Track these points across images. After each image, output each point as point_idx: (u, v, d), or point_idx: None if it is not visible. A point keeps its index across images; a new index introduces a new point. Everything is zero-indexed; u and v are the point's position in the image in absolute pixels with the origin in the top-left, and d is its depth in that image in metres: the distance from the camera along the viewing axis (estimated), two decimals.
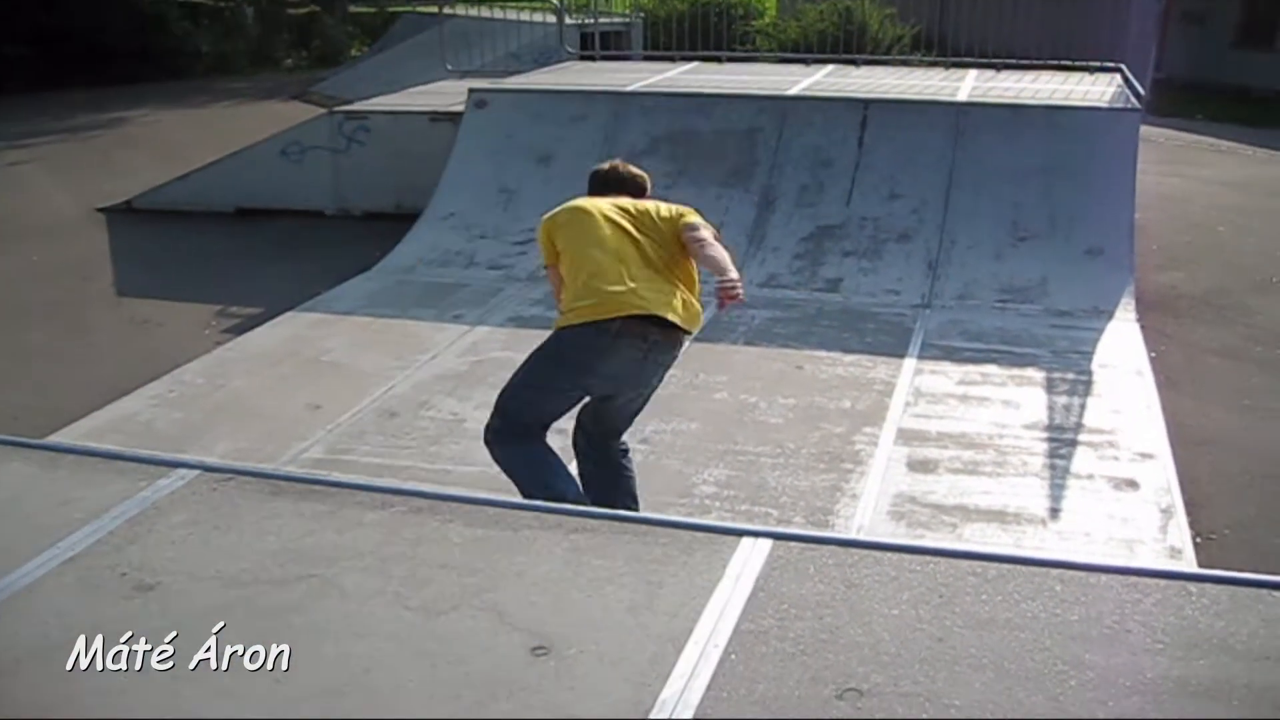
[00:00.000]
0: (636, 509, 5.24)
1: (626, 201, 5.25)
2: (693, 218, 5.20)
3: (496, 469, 5.40)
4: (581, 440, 5.38)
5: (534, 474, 5.07)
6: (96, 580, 4.20)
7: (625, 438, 5.49)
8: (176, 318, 9.51)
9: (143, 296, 10.18)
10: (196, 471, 5.05)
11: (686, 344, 5.40)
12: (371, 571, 4.19)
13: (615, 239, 5.01)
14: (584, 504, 4.92)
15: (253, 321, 9.07)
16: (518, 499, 5.02)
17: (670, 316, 4.92)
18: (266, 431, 6.86)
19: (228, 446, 6.58)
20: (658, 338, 4.97)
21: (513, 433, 5.13)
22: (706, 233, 5.15)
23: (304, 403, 7.32)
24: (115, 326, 9.42)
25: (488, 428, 5.20)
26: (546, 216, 5.24)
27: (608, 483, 5.32)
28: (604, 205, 5.18)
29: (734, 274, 4.91)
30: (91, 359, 8.60)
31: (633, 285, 4.89)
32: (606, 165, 5.59)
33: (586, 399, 5.26)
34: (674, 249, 5.11)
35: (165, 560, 4.32)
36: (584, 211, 5.14)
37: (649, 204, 5.29)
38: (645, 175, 5.59)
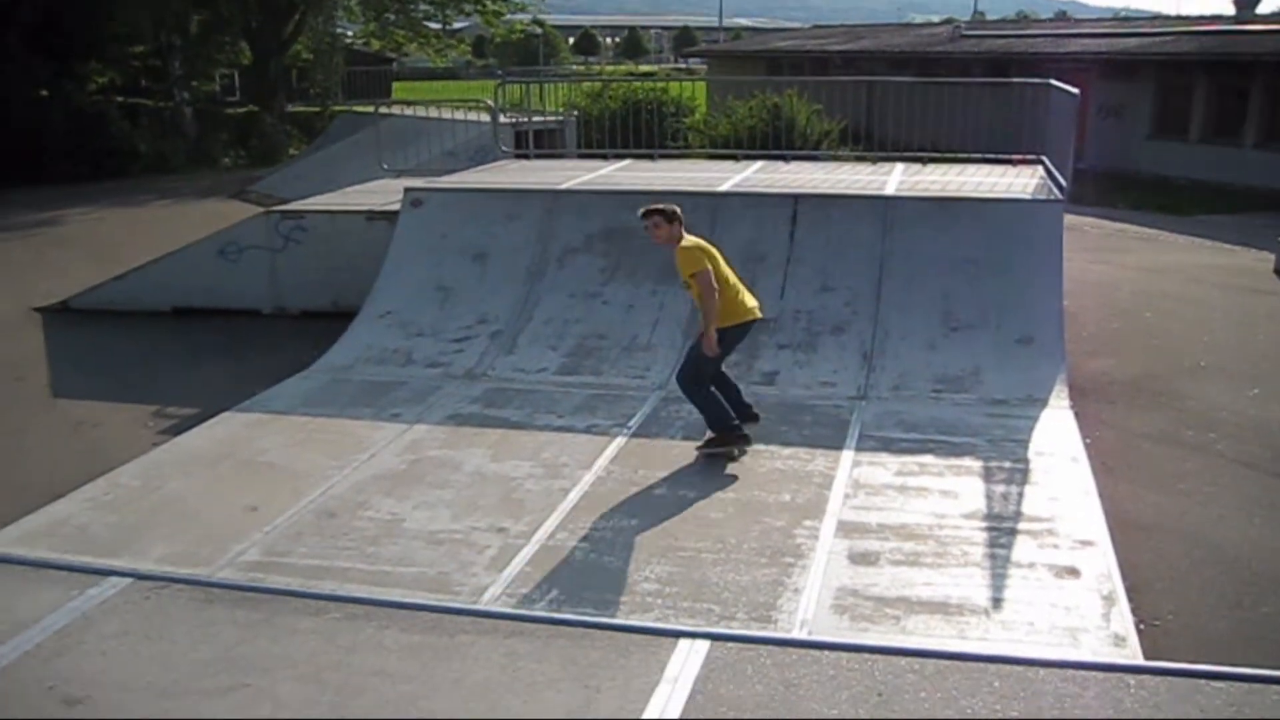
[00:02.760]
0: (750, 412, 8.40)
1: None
2: None
3: (436, 570, 5.94)
4: (712, 384, 8.08)
5: (715, 404, 7.97)
6: (24, 694, 4.11)
7: None
8: (112, 419, 9.38)
9: (79, 397, 10.04)
10: (129, 580, 4.98)
11: None
12: (306, 680, 4.13)
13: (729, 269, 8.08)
14: (734, 419, 8.00)
15: (189, 422, 8.97)
16: (454, 604, 4.98)
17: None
18: (203, 534, 6.74)
19: (164, 550, 6.46)
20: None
21: (711, 379, 8.05)
22: None
23: (241, 504, 7.22)
24: (50, 428, 9.27)
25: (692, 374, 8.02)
26: (699, 246, 7.92)
27: (731, 396, 8.22)
28: (715, 249, 8.08)
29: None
30: (25, 461, 8.45)
31: (743, 302, 8.04)
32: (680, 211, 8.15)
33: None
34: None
35: (95, 672, 4.24)
36: (714, 257, 7.95)
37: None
38: None
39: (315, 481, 7.57)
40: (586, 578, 6.06)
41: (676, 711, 3.79)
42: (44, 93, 26.33)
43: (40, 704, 4.03)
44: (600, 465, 7.75)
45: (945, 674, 3.95)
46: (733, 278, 8.01)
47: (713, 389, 7.98)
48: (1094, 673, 4.00)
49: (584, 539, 6.59)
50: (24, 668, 4.28)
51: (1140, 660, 5.06)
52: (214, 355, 11.32)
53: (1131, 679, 3.91)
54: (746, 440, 8.00)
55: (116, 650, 4.41)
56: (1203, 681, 3.88)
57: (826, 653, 4.13)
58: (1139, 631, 5.61)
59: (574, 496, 7.21)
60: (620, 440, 8.24)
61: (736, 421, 7.96)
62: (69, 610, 4.71)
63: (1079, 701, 3.79)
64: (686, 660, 4.09)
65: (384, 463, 7.91)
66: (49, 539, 6.61)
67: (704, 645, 4.19)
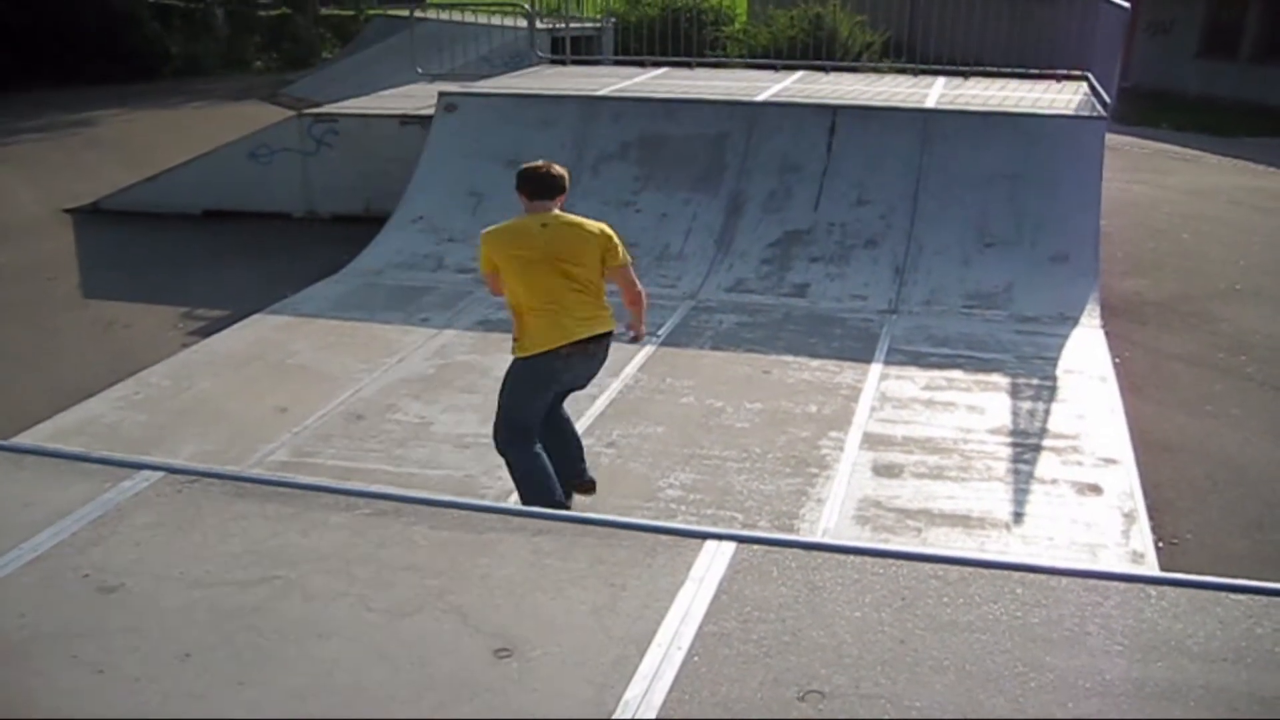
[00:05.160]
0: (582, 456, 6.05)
1: (555, 231, 5.62)
2: (626, 256, 5.76)
3: (462, 473, 5.85)
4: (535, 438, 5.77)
5: (531, 470, 5.66)
6: (59, 582, 4.19)
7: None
8: (143, 319, 9.46)
9: (109, 298, 10.11)
10: (160, 473, 5.04)
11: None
12: (335, 573, 4.19)
13: (552, 271, 5.54)
14: (554, 494, 5.59)
15: (219, 324, 9.03)
16: (482, 502, 5.04)
17: (598, 336, 5.63)
18: (232, 434, 6.83)
19: (193, 449, 6.56)
20: (595, 347, 5.68)
21: (521, 429, 5.72)
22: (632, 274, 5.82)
23: (270, 405, 7.29)
24: (81, 328, 9.35)
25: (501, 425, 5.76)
26: (491, 235, 5.74)
27: (568, 452, 5.93)
28: (531, 242, 5.59)
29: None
30: (57, 360, 8.54)
31: (574, 316, 5.55)
32: (540, 167, 5.78)
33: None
34: (597, 272, 5.63)
35: (128, 562, 4.31)
36: (520, 246, 5.61)
37: (577, 227, 5.67)
38: (566, 175, 5.85)
39: (344, 384, 7.64)
40: (612, 483, 6.11)
41: (701, 610, 3.85)
42: None
43: (76, 591, 4.11)
44: (628, 373, 7.78)
45: (968, 580, 3.98)
46: (559, 284, 5.58)
47: (537, 447, 5.73)
48: (1115, 583, 4.03)
49: (610, 445, 6.64)
50: (60, 556, 4.36)
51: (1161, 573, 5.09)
52: (244, 258, 11.36)
53: (1152, 590, 3.93)
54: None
55: (150, 541, 4.48)
56: (1223, 594, 3.90)
57: (851, 557, 4.17)
58: (1158, 549, 5.64)
59: (601, 403, 7.25)
60: (649, 348, 8.26)
61: (558, 497, 5.65)
62: (103, 502, 4.78)
63: (1099, 610, 3.82)
64: (712, 561, 4.14)
65: (413, 367, 7.96)
66: (81, 436, 6.71)
67: (730, 547, 4.23)
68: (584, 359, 5.67)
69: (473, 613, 3.90)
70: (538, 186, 5.72)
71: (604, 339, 5.69)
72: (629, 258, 5.75)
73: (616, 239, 5.69)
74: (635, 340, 6.06)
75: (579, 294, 5.56)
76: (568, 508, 5.61)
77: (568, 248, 5.58)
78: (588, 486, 5.94)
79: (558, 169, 5.80)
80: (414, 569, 4.21)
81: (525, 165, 5.88)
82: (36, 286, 10.47)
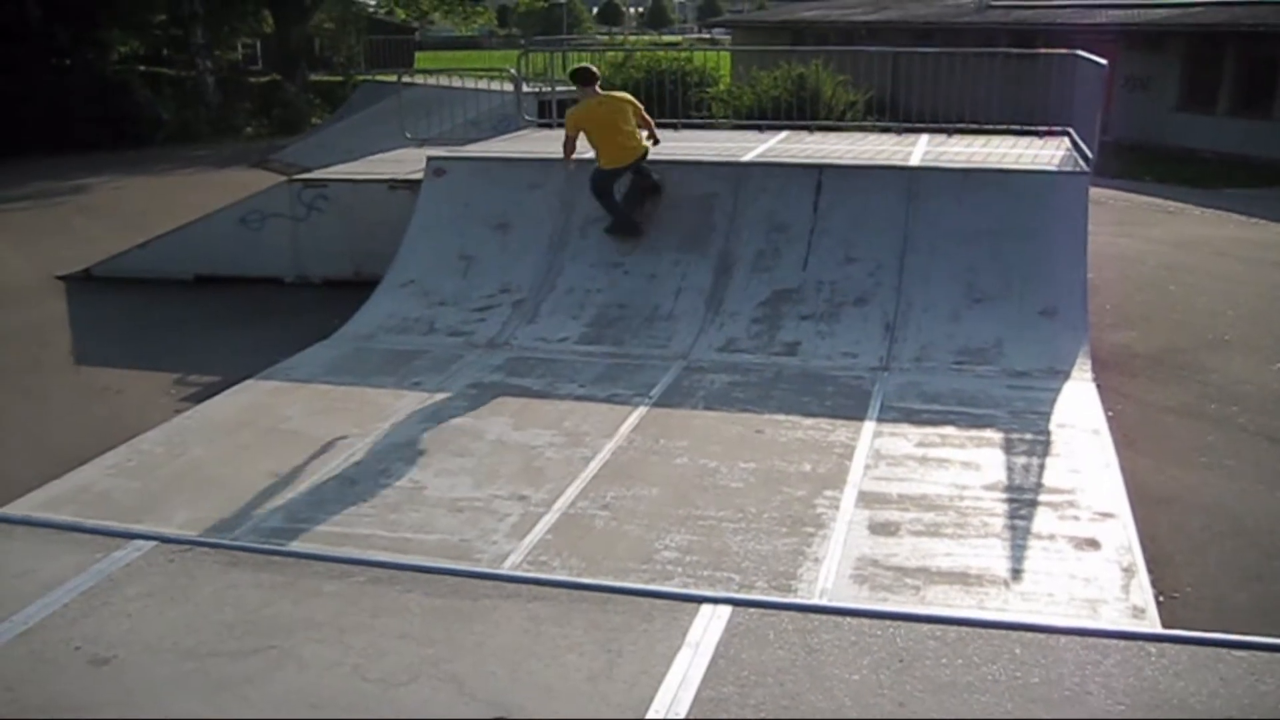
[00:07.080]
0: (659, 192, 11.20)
1: (608, 104, 10.72)
2: (639, 108, 10.97)
3: (457, 537, 6.06)
4: (615, 190, 10.85)
5: (614, 207, 10.81)
6: (50, 654, 4.15)
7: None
8: (135, 385, 9.44)
9: (101, 364, 10.10)
10: (153, 543, 5.02)
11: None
12: (329, 642, 4.16)
13: (613, 127, 10.55)
14: (627, 215, 10.88)
15: (212, 389, 9.01)
16: (476, 568, 5.01)
17: (639, 156, 10.79)
18: (225, 500, 6.79)
19: (186, 516, 6.51)
20: (638, 160, 10.79)
21: (606, 194, 10.76)
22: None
23: (263, 471, 7.26)
24: (73, 394, 9.33)
25: (592, 190, 10.86)
26: (577, 112, 10.62)
27: (632, 194, 10.97)
28: (600, 112, 10.57)
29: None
30: (48, 427, 8.51)
31: (626, 147, 10.66)
32: (584, 70, 10.76)
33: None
34: (634, 122, 10.75)
35: (121, 633, 4.28)
36: (596, 116, 10.55)
37: (617, 99, 10.91)
38: (597, 70, 11.05)
39: (337, 449, 7.61)
40: (607, 546, 6.08)
41: (698, 675, 3.82)
42: (66, 61, 26.36)
43: (67, 664, 4.08)
44: (621, 434, 7.77)
45: (966, 641, 3.96)
46: (617, 133, 10.53)
47: (615, 198, 10.77)
48: (1115, 641, 4.01)
49: (604, 507, 6.61)
50: (51, 628, 4.33)
51: (1160, 630, 5.07)
52: (236, 323, 11.36)
53: (1152, 647, 3.92)
54: (637, 230, 10.88)
55: (141, 612, 4.45)
56: (1224, 650, 3.88)
57: (848, 619, 4.15)
58: (1158, 603, 5.60)
59: (595, 465, 7.23)
60: (642, 409, 8.26)
61: (626, 214, 10.82)
62: (94, 573, 4.76)
63: (1099, 669, 3.80)
64: (708, 625, 4.12)
65: (406, 431, 7.94)
66: (73, 504, 6.66)
67: (726, 610, 4.21)
68: (630, 168, 10.70)
69: (468, 681, 3.87)
70: (585, 79, 10.65)
71: (642, 158, 10.76)
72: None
73: (636, 101, 10.98)
74: (655, 144, 11.15)
75: (625, 135, 10.59)
76: (635, 222, 10.85)
77: (617, 110, 10.65)
78: (651, 187, 11.08)
79: (593, 69, 10.84)
80: (409, 637, 4.19)
81: (576, 67, 10.98)
82: (29, 353, 10.46)
